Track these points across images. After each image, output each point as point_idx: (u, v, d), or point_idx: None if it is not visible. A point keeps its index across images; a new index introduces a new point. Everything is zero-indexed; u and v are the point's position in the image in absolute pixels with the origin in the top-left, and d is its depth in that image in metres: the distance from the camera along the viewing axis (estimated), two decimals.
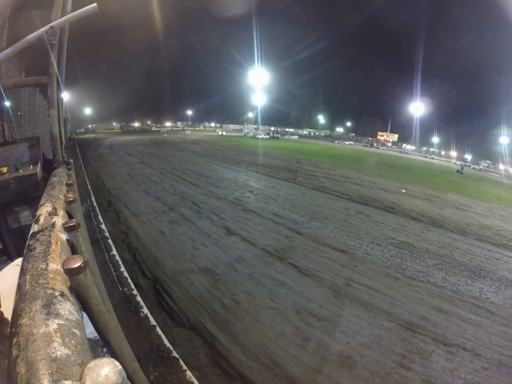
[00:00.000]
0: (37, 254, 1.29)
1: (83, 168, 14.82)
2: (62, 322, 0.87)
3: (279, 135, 56.24)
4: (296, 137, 64.07)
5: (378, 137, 67.51)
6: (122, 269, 5.36)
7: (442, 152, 54.55)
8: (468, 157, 49.01)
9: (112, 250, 6.07)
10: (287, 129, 74.31)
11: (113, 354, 1.34)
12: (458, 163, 42.08)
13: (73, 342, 0.82)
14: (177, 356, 3.46)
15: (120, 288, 4.76)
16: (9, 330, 0.90)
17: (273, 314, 4.31)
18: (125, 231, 7.13)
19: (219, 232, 7.29)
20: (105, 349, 1.43)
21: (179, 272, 5.35)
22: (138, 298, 4.53)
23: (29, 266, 1.19)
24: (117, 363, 0.68)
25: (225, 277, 5.24)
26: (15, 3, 3.94)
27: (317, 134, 74.68)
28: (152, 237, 6.87)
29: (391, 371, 3.45)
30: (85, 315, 1.18)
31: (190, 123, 70.52)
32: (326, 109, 74.78)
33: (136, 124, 63.55)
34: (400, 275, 5.79)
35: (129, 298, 4.53)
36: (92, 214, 8.20)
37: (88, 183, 11.86)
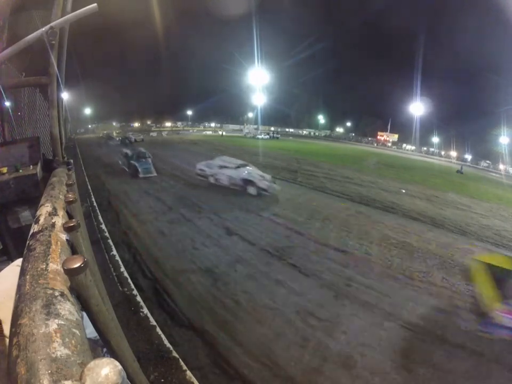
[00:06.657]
0: (37, 254, 1.29)
1: (83, 168, 14.82)
2: (62, 322, 0.87)
3: (279, 135, 56.09)
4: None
5: (378, 137, 67.39)
6: (122, 269, 5.36)
7: (442, 152, 54.48)
8: (468, 157, 48.98)
9: (112, 251, 6.07)
10: (287, 129, 74.20)
11: (113, 354, 1.34)
12: (456, 162, 42.12)
13: (73, 342, 0.82)
14: (177, 356, 3.46)
15: (120, 288, 4.76)
16: (9, 330, 0.90)
17: (273, 315, 4.31)
18: (125, 231, 7.13)
19: (219, 232, 7.29)
20: (105, 349, 1.43)
21: (179, 272, 5.35)
22: (138, 298, 4.53)
23: (29, 266, 1.19)
24: (117, 363, 0.68)
25: (225, 277, 5.24)
26: (15, 3, 3.93)
27: (317, 134, 74.56)
28: (152, 237, 6.87)
29: (392, 371, 3.45)
30: (85, 315, 1.18)
31: (190, 123, 70.45)
32: (326, 109, 74.62)
33: (136, 124, 63.47)
34: (400, 275, 5.79)
35: (129, 298, 4.53)
36: (92, 214, 8.20)
37: (88, 183, 11.87)
